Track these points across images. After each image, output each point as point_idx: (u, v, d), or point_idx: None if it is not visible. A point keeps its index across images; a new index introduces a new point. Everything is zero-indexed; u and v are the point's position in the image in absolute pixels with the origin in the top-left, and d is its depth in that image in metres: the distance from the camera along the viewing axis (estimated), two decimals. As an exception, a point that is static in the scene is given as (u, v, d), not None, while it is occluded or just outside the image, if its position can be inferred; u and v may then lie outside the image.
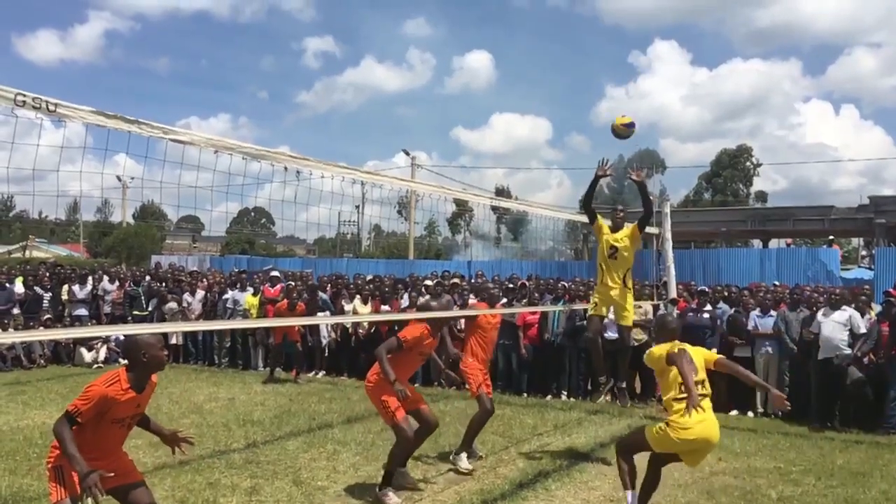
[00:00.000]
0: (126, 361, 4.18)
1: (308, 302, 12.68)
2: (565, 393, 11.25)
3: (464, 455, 7.05)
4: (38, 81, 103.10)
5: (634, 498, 5.48)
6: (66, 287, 14.96)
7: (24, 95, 3.96)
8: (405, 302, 12.74)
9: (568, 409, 10.34)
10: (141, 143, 4.87)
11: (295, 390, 11.44)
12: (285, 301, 12.43)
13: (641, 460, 5.59)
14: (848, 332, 9.28)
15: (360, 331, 12.88)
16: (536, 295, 12.12)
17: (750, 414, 10.17)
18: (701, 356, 5.47)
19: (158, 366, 4.16)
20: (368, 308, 12.97)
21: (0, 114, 4.08)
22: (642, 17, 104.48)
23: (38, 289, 14.76)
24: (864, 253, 37.37)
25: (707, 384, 5.34)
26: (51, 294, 14.87)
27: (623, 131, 7.95)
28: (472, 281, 14.60)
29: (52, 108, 4.09)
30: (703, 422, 5.09)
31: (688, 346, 5.45)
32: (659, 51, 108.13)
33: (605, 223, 7.90)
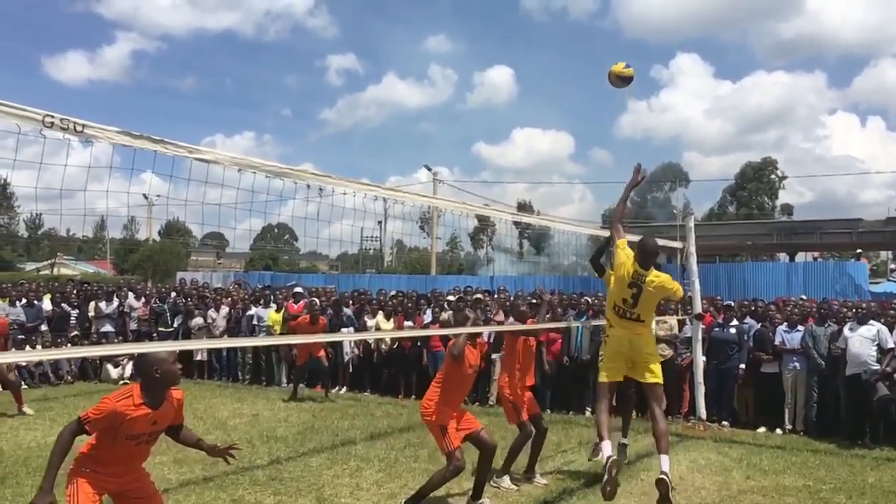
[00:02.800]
0: (139, 379, 4.12)
1: (332, 317, 12.70)
2: (589, 409, 11.15)
3: (506, 477, 6.97)
4: (66, 101, 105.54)
5: (609, 447, 5.69)
6: (92, 304, 15.14)
7: (52, 117, 4.02)
8: (428, 317, 12.74)
9: (592, 425, 10.22)
10: (167, 161, 4.93)
11: (318, 406, 11.45)
12: (307, 316, 12.39)
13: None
14: (876, 347, 9.12)
15: (383, 346, 12.88)
16: (560, 310, 12.05)
17: (778, 431, 10.01)
18: (655, 293, 6.13)
19: (172, 381, 4.10)
20: (391, 324, 12.99)
21: (29, 134, 4.16)
22: (664, 31, 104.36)
23: (65, 306, 14.95)
24: (892, 266, 36.84)
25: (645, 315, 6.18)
26: (78, 311, 15.06)
27: (619, 84, 7.32)
28: (495, 296, 14.56)
29: (79, 128, 4.15)
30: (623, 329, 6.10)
31: (653, 284, 6.07)
32: (681, 64, 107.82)
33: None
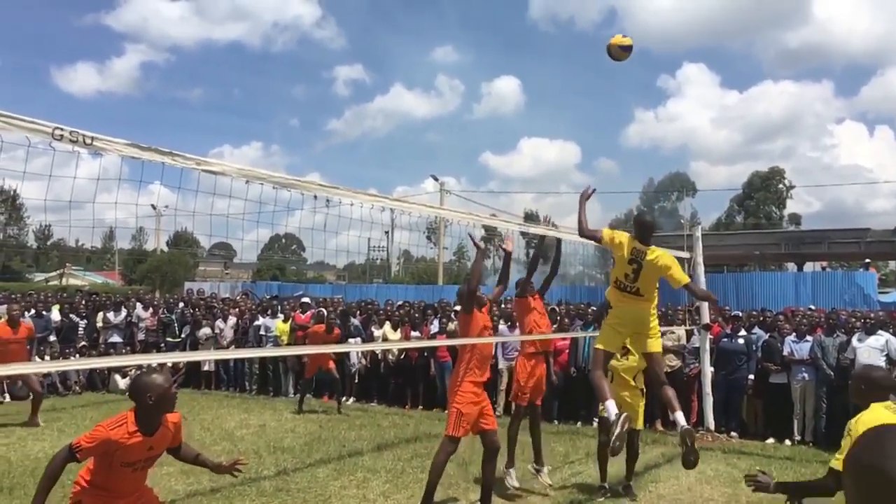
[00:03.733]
0: (133, 404, 4.00)
1: (340, 327, 12.69)
2: (597, 420, 11.10)
3: (512, 471, 7.25)
4: (76, 113, 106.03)
5: (614, 405, 5.87)
6: (101, 314, 15.19)
7: (62, 129, 4.06)
8: (435, 328, 12.73)
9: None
10: (175, 173, 4.97)
11: (325, 417, 11.44)
12: (322, 325, 12.28)
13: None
14: (885, 358, 9.08)
15: (390, 357, 12.88)
16: (567, 320, 12.03)
17: (787, 442, 9.96)
18: (656, 270, 6.20)
19: (167, 407, 4.01)
20: (398, 334, 12.99)
21: (39, 145, 4.19)
22: (671, 41, 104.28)
23: (73, 316, 15.02)
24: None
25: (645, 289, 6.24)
26: (86, 321, 15.12)
27: (619, 55, 7.22)
28: (501, 306, 14.54)
29: (88, 141, 4.19)
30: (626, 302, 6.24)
31: (651, 258, 6.17)
32: (688, 74, 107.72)
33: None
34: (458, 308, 7.41)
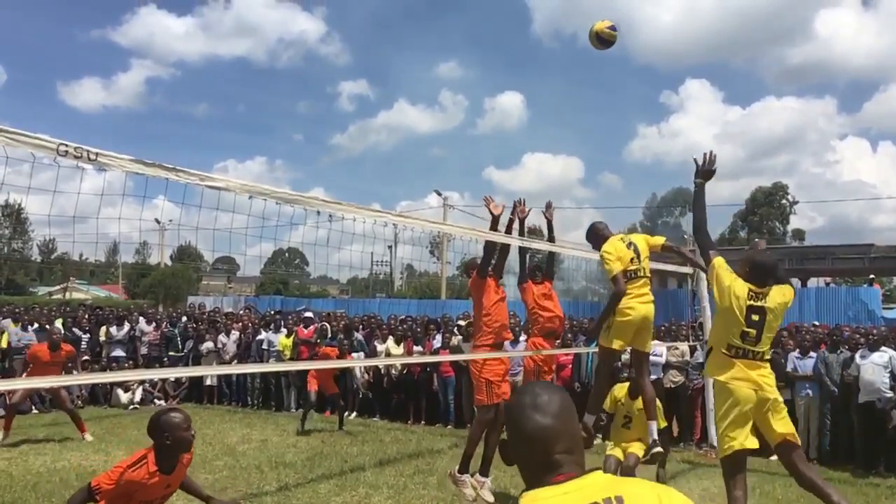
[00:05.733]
0: (152, 442, 4.08)
1: (342, 342, 12.65)
2: (600, 435, 11.05)
3: (488, 481, 6.96)
4: (81, 127, 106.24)
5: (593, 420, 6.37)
6: (104, 328, 15.20)
7: (67, 146, 4.09)
8: (438, 343, 12.71)
9: (604, 451, 10.13)
10: (179, 188, 5.01)
11: (327, 432, 11.40)
12: (335, 350, 12.01)
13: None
14: (889, 374, 9.04)
15: (393, 372, 12.86)
16: (569, 336, 12.00)
17: (791, 458, 9.88)
18: (644, 241, 6.42)
19: (184, 447, 4.11)
20: (401, 349, 12.97)
21: (44, 160, 4.22)
22: (673, 57, 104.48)
23: (76, 330, 15.01)
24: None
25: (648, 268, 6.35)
26: (89, 335, 15.12)
27: (598, 45, 7.06)
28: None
29: (93, 157, 4.21)
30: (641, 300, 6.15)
31: (632, 236, 6.47)
32: (691, 90, 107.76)
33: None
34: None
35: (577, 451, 1.78)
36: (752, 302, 4.74)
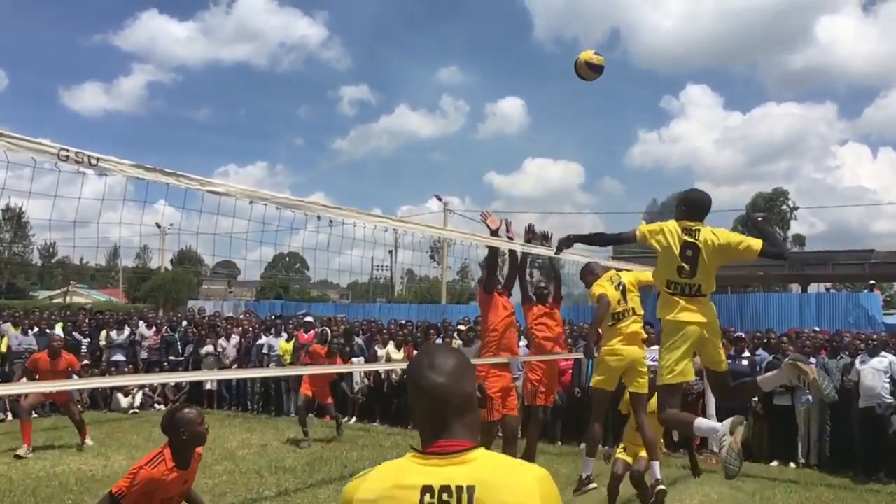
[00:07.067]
0: (167, 439, 4.18)
1: (342, 347, 12.55)
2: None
3: None
4: (82, 131, 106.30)
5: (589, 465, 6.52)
6: (104, 333, 15.19)
7: (68, 151, 4.10)
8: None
9: (602, 457, 10.12)
10: (179, 192, 5.02)
11: (327, 437, 11.38)
12: (325, 349, 11.49)
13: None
14: (889, 380, 9.03)
15: (393, 376, 12.85)
16: (570, 341, 12.00)
17: (792, 465, 9.88)
18: (633, 278, 6.57)
19: (199, 441, 4.21)
20: (401, 353, 12.97)
21: (45, 164, 4.23)
22: (674, 62, 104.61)
23: (76, 334, 15.01)
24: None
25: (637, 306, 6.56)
26: (89, 340, 15.11)
27: (589, 75, 6.54)
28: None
29: (93, 162, 4.22)
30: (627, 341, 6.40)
31: (622, 274, 6.64)
32: (691, 95, 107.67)
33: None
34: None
35: (468, 412, 1.85)
36: (686, 237, 4.80)
